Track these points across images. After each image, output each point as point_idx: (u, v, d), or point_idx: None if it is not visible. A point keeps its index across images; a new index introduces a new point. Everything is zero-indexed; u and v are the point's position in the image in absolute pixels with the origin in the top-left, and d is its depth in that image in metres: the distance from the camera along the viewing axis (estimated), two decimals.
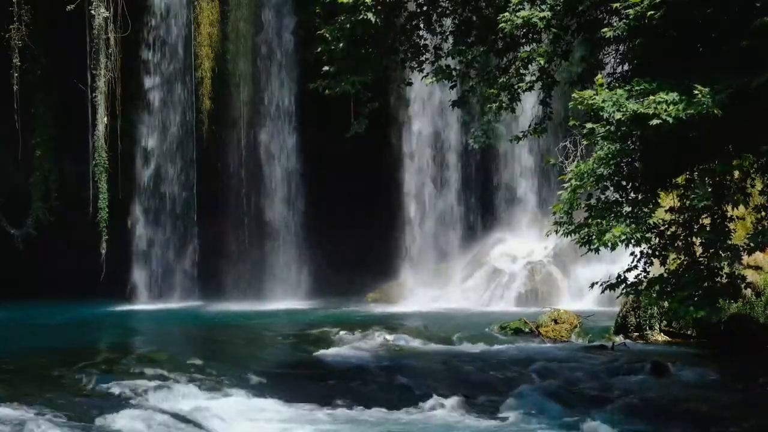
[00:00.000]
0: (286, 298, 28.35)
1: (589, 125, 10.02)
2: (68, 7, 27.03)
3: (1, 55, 28.52)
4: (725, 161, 9.70)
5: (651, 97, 9.24)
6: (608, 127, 9.73)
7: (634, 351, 16.81)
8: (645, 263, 10.85)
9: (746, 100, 9.05)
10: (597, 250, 10.24)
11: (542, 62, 11.60)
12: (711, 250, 10.16)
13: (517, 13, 11.00)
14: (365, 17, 12.00)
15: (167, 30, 30.09)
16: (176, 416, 11.85)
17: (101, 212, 28.73)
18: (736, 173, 9.99)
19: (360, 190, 28.06)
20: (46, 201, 30.72)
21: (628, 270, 10.91)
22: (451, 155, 29.70)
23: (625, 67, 11.30)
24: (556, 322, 19.17)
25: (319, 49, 12.60)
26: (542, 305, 23.64)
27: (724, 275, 10.34)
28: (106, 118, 28.57)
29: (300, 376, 14.82)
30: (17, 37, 28.35)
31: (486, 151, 29.51)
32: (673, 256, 10.66)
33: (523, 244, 27.87)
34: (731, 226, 10.27)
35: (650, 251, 10.69)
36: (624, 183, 10.34)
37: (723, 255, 9.97)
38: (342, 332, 19.41)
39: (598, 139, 9.94)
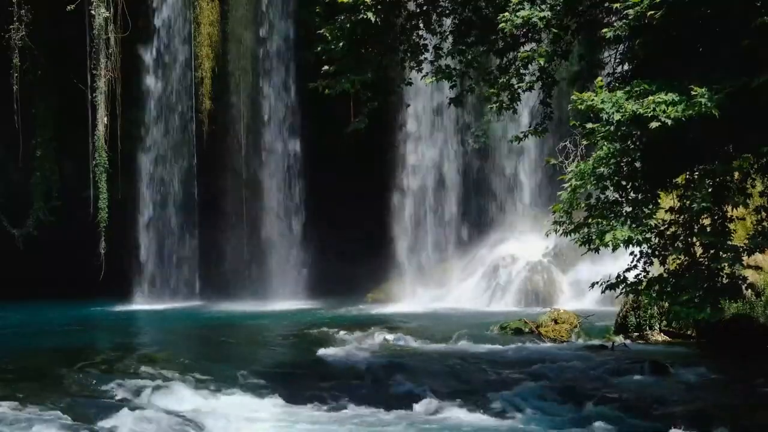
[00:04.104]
0: (286, 298, 28.37)
1: (589, 125, 10.02)
2: (68, 7, 27.07)
3: (1, 55, 28.55)
4: (725, 162, 9.70)
5: (650, 98, 9.24)
6: (608, 127, 9.73)
7: (634, 351, 16.80)
8: (645, 263, 10.86)
9: (746, 100, 9.05)
10: (597, 250, 10.25)
11: (542, 62, 11.60)
12: (711, 251, 10.15)
13: (517, 13, 11.00)
14: (365, 17, 12.01)
15: (167, 30, 30.11)
16: (176, 416, 11.85)
17: (101, 212, 28.78)
18: (737, 174, 9.98)
19: (360, 190, 28.08)
20: (47, 201, 30.77)
21: (628, 270, 10.91)
22: (451, 155, 29.70)
23: (625, 67, 11.30)
24: (556, 322, 19.16)
25: (319, 49, 12.61)
26: (542, 305, 23.66)
27: (725, 276, 10.33)
28: (106, 118, 28.60)
29: (300, 376, 14.82)
30: (17, 37, 28.37)
31: (486, 151, 29.55)
32: (673, 256, 10.65)
33: (523, 244, 27.88)
34: (731, 226, 10.26)
35: (650, 251, 10.69)
36: (624, 183, 10.33)
37: (724, 256, 9.96)
38: (342, 332, 19.42)
39: (598, 138, 9.94)
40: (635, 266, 10.91)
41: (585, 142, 10.77)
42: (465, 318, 22.77)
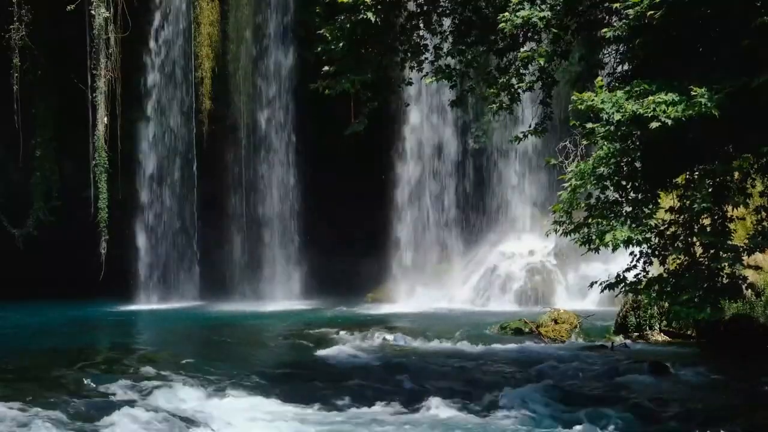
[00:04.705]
0: (286, 298, 28.37)
1: (589, 125, 10.02)
2: (68, 7, 27.06)
3: (1, 55, 28.54)
4: (725, 162, 9.70)
5: (650, 98, 9.24)
6: (608, 127, 9.73)
7: (634, 351, 16.82)
8: (644, 263, 10.86)
9: (746, 100, 9.05)
10: (597, 250, 10.25)
11: (542, 62, 11.60)
12: (711, 251, 10.15)
13: (517, 13, 11.00)
14: (365, 17, 12.00)
15: (167, 30, 30.11)
16: (176, 416, 11.85)
17: (101, 212, 28.78)
18: (737, 174, 9.98)
19: (360, 190, 28.08)
20: (47, 201, 30.76)
21: (628, 269, 10.91)
22: (451, 155, 29.70)
23: (625, 67, 11.30)
24: (556, 322, 19.16)
25: (319, 49, 12.61)
26: (542, 305, 23.66)
27: (725, 276, 10.33)
28: (106, 118, 28.59)
29: (300, 376, 14.82)
30: (17, 37, 28.37)
31: (485, 151, 29.55)
32: (673, 256, 10.65)
33: (523, 244, 27.89)
34: (731, 226, 10.26)
35: (650, 251, 10.69)
36: (624, 183, 10.33)
37: (724, 256, 9.96)
38: (342, 332, 19.42)
39: (598, 138, 9.94)
40: (635, 266, 10.91)
41: (585, 142, 10.78)
42: (465, 318, 22.78)
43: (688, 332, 17.79)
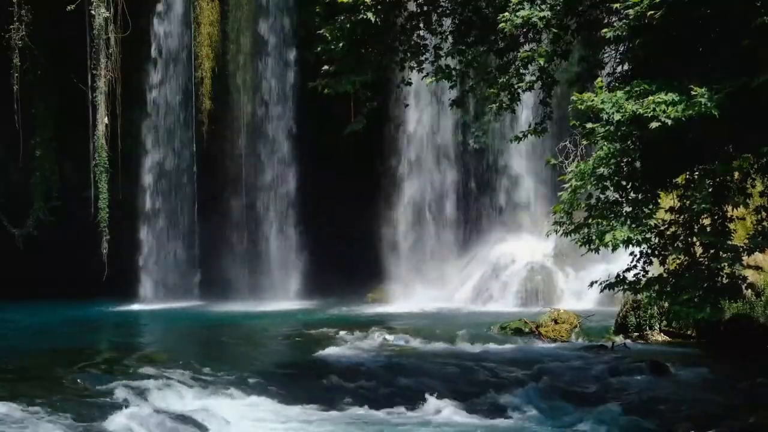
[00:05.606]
0: (286, 299, 28.36)
1: (589, 125, 10.02)
2: (68, 7, 27.08)
3: (1, 55, 28.56)
4: (725, 162, 9.70)
5: (650, 98, 9.24)
6: (608, 127, 9.73)
7: (634, 351, 16.82)
8: (644, 263, 10.86)
9: (746, 100, 9.05)
10: (597, 250, 10.25)
11: (542, 62, 11.59)
12: (711, 251, 10.15)
13: (517, 13, 11.00)
14: (365, 17, 12.01)
15: (167, 30, 30.12)
16: (176, 416, 11.85)
17: (101, 212, 28.80)
18: (737, 174, 9.99)
19: (359, 189, 28.08)
20: (47, 201, 30.77)
21: (628, 269, 10.92)
22: (451, 155, 29.70)
23: (625, 67, 11.29)
24: (556, 322, 19.17)
25: (319, 49, 12.61)
26: (542, 305, 23.65)
27: (725, 276, 10.33)
28: (106, 118, 28.61)
29: (300, 376, 14.82)
30: (17, 37, 28.39)
31: (485, 151, 29.55)
32: (673, 256, 10.66)
33: (523, 244, 27.87)
34: (731, 226, 10.27)
35: (650, 251, 10.70)
36: (624, 183, 10.33)
37: (724, 256, 9.96)
38: (342, 332, 19.43)
39: (598, 139, 9.94)
40: (635, 266, 10.92)
41: (585, 142, 10.77)
42: (465, 318, 22.78)
43: (688, 332, 17.79)
